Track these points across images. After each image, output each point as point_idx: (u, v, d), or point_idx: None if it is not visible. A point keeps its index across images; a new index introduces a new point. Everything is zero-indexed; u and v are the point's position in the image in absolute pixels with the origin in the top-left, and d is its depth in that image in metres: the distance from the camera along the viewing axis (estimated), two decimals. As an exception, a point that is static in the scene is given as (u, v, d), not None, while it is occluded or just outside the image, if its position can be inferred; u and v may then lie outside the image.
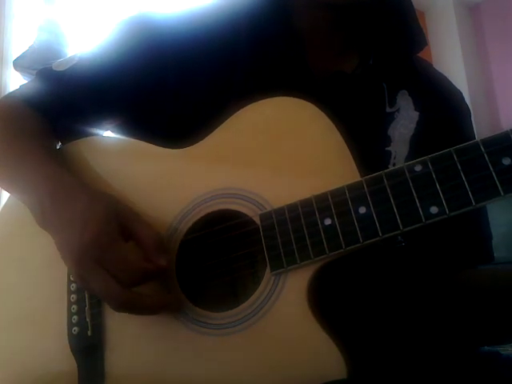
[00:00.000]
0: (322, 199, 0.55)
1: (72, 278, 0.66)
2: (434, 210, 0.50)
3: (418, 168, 0.52)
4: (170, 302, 0.59)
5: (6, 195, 0.77)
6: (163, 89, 0.72)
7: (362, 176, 0.55)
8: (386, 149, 0.70)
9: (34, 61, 1.77)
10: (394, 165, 0.69)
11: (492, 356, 0.69)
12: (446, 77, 0.83)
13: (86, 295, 0.64)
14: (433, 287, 0.72)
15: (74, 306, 0.65)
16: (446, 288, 0.72)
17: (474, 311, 0.70)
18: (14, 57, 1.84)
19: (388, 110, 0.72)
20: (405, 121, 0.72)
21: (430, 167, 0.51)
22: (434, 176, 0.51)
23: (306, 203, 0.56)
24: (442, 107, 0.76)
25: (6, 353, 0.68)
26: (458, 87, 0.83)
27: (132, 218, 0.60)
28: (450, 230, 0.63)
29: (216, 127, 0.64)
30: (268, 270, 0.56)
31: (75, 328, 0.64)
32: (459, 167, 0.50)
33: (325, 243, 0.54)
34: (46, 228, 0.62)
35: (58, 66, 0.76)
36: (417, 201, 0.51)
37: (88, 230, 0.56)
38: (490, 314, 0.69)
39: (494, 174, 0.49)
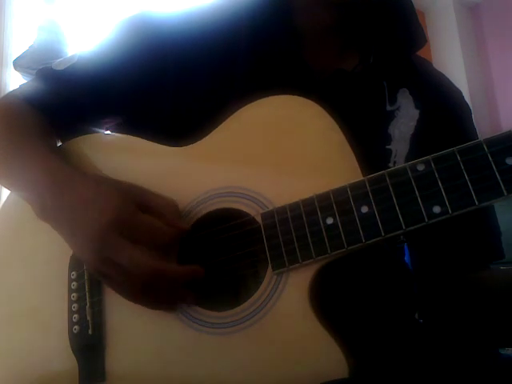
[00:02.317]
0: (323, 198, 0.55)
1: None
2: (436, 209, 0.50)
3: (421, 167, 0.52)
4: (195, 272, 0.58)
5: (6, 193, 0.77)
6: (163, 88, 0.72)
7: (363, 174, 0.55)
8: (387, 147, 0.70)
9: (33, 61, 1.77)
10: (394, 163, 0.69)
11: (492, 356, 0.69)
12: (445, 75, 0.83)
13: (87, 294, 0.64)
14: (439, 287, 0.71)
15: (75, 305, 0.65)
16: (455, 288, 0.71)
17: (484, 313, 0.69)
18: (14, 57, 1.84)
19: (388, 108, 0.72)
20: (405, 119, 0.72)
21: (433, 166, 0.51)
22: (436, 175, 0.51)
23: (307, 202, 0.55)
24: (443, 105, 0.76)
25: (7, 351, 0.68)
26: (458, 87, 0.83)
27: (143, 191, 0.60)
28: (458, 227, 0.63)
29: (217, 126, 0.64)
30: (270, 269, 0.56)
31: (76, 327, 0.64)
32: (462, 167, 0.50)
33: (327, 242, 0.53)
34: (48, 220, 0.62)
35: (58, 65, 0.76)
36: (419, 200, 0.51)
37: (105, 210, 0.56)
38: (502, 316, 0.68)
39: (497, 173, 0.49)
